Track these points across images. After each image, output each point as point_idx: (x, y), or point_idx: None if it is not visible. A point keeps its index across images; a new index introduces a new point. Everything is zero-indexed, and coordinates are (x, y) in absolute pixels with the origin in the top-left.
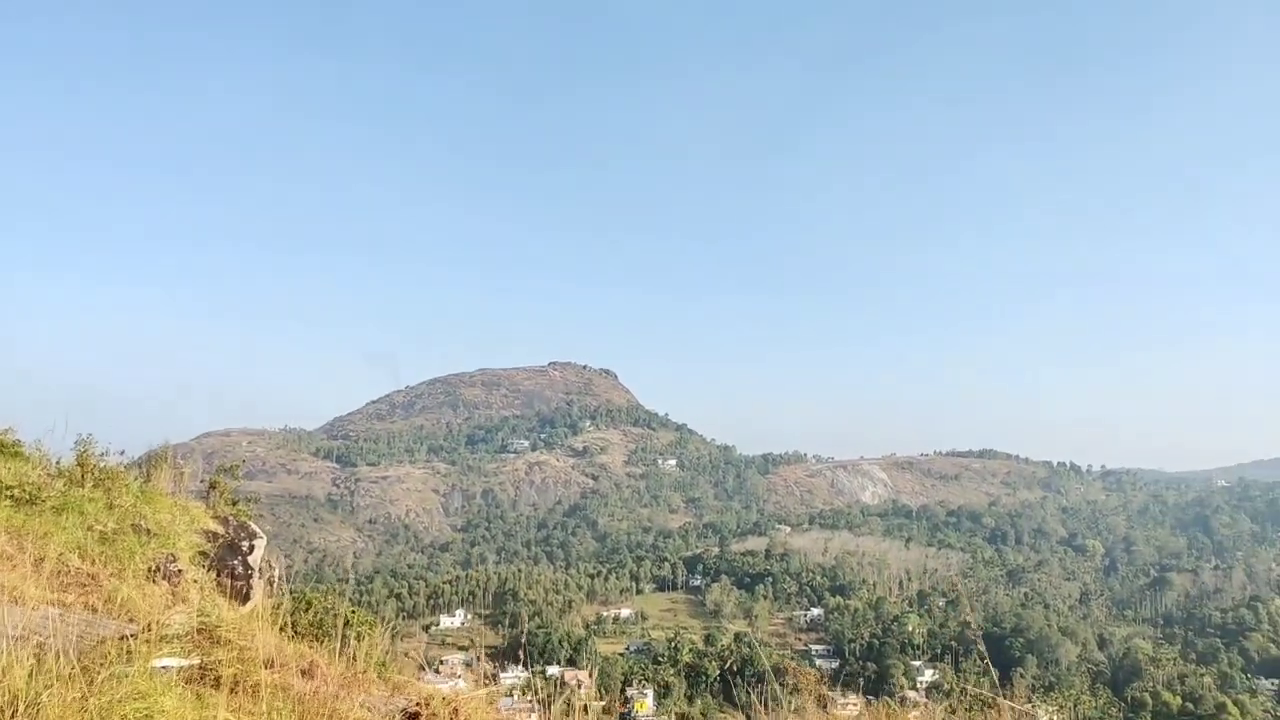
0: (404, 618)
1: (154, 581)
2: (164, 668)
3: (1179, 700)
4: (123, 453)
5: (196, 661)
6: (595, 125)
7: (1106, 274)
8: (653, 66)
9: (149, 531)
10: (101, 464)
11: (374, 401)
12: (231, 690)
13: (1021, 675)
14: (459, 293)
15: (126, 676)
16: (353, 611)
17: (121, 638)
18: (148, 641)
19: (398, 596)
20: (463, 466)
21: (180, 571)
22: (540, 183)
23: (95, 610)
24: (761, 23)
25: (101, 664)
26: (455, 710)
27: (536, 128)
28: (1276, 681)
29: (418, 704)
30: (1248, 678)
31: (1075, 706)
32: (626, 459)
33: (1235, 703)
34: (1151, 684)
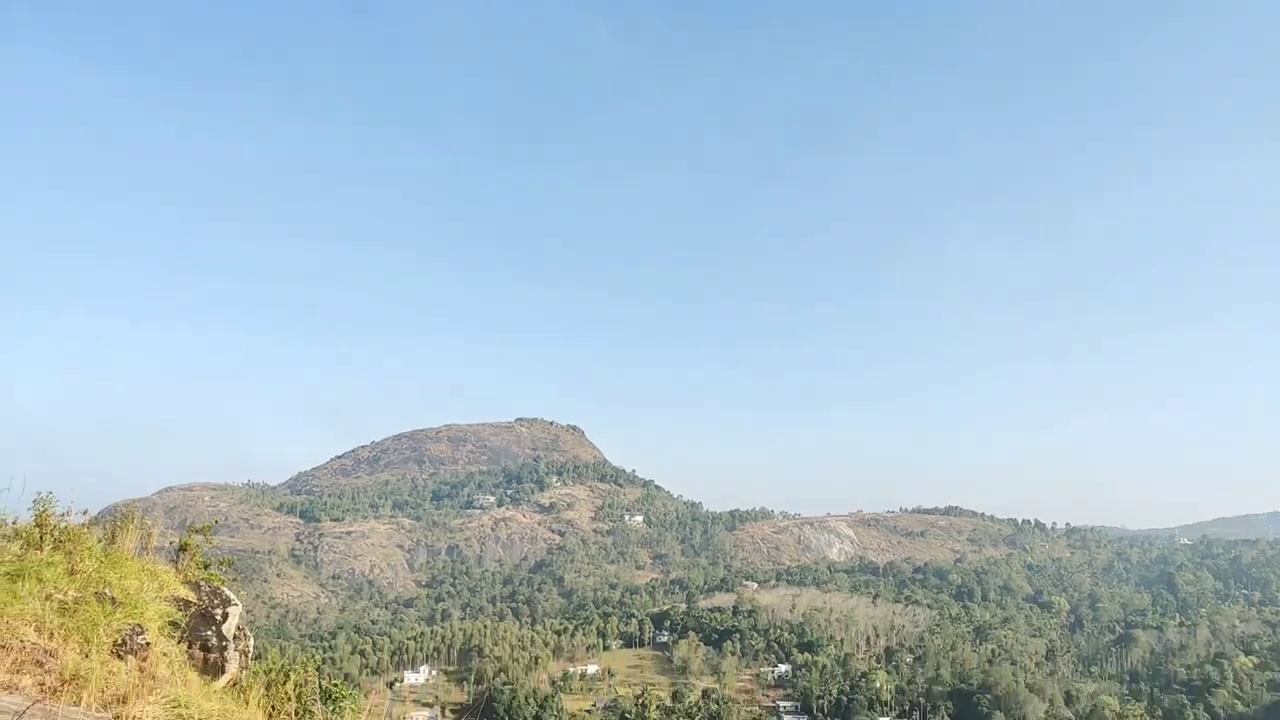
0: (368, 674)
1: (120, 657)
2: None
3: None
4: (85, 512)
5: None
6: (560, 185)
7: (1061, 344)
8: (615, 126)
9: (114, 600)
10: (62, 524)
11: (338, 457)
12: None
13: None
14: (423, 348)
15: None
16: (334, 684)
17: None
18: None
19: (361, 653)
20: (428, 522)
21: (149, 644)
22: (508, 238)
23: (54, 692)
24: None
25: None
26: None
27: (505, 186)
28: None
29: None
30: None
31: None
32: (593, 515)
33: None
34: None
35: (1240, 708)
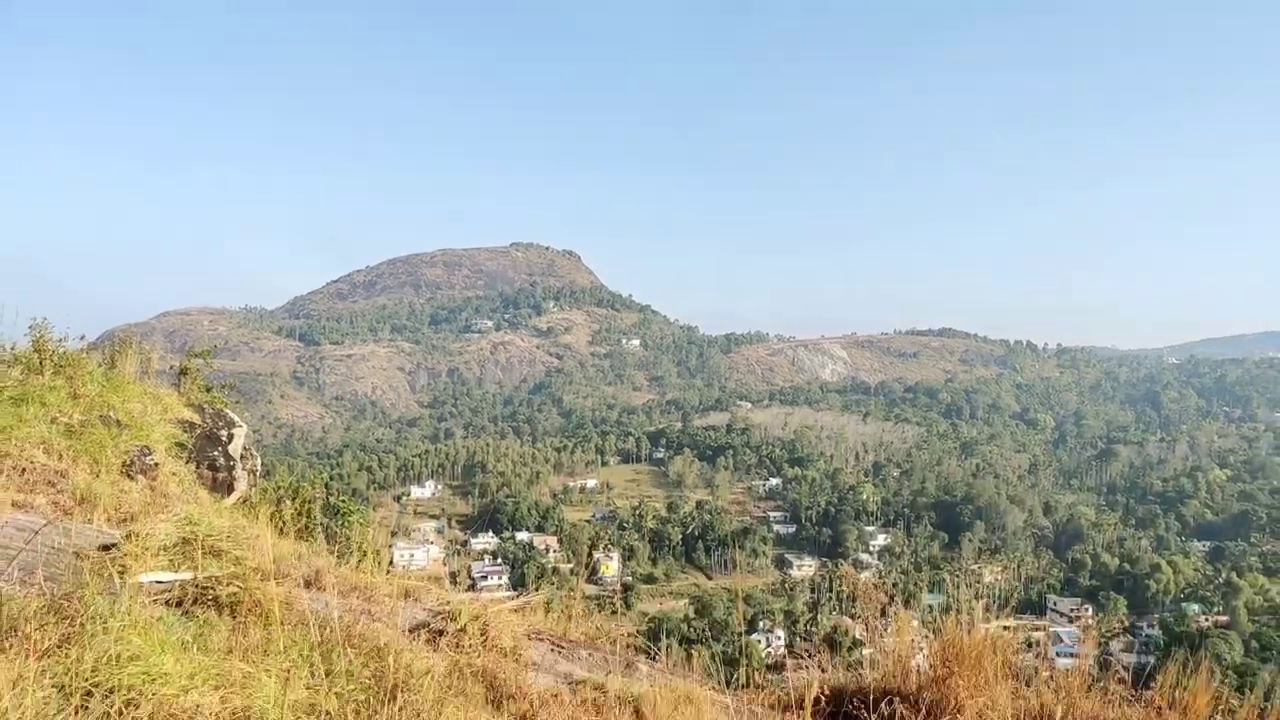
0: (375, 489)
1: (130, 476)
2: (155, 583)
3: (1116, 561)
4: (83, 338)
5: (189, 576)
6: (562, 4)
7: (1062, 168)
8: None
9: (119, 423)
10: (60, 349)
11: (334, 281)
12: (232, 613)
13: (970, 539)
14: (417, 170)
15: (114, 617)
16: (342, 500)
17: (103, 547)
18: (133, 555)
19: (368, 470)
20: (427, 346)
21: (157, 465)
22: (503, 61)
23: (68, 512)
24: None
25: (82, 589)
26: (485, 626)
27: (506, 6)
28: (1208, 544)
29: (441, 616)
30: (1182, 541)
31: (1018, 567)
32: (591, 339)
33: (1169, 563)
34: (1092, 547)
35: (1210, 517)
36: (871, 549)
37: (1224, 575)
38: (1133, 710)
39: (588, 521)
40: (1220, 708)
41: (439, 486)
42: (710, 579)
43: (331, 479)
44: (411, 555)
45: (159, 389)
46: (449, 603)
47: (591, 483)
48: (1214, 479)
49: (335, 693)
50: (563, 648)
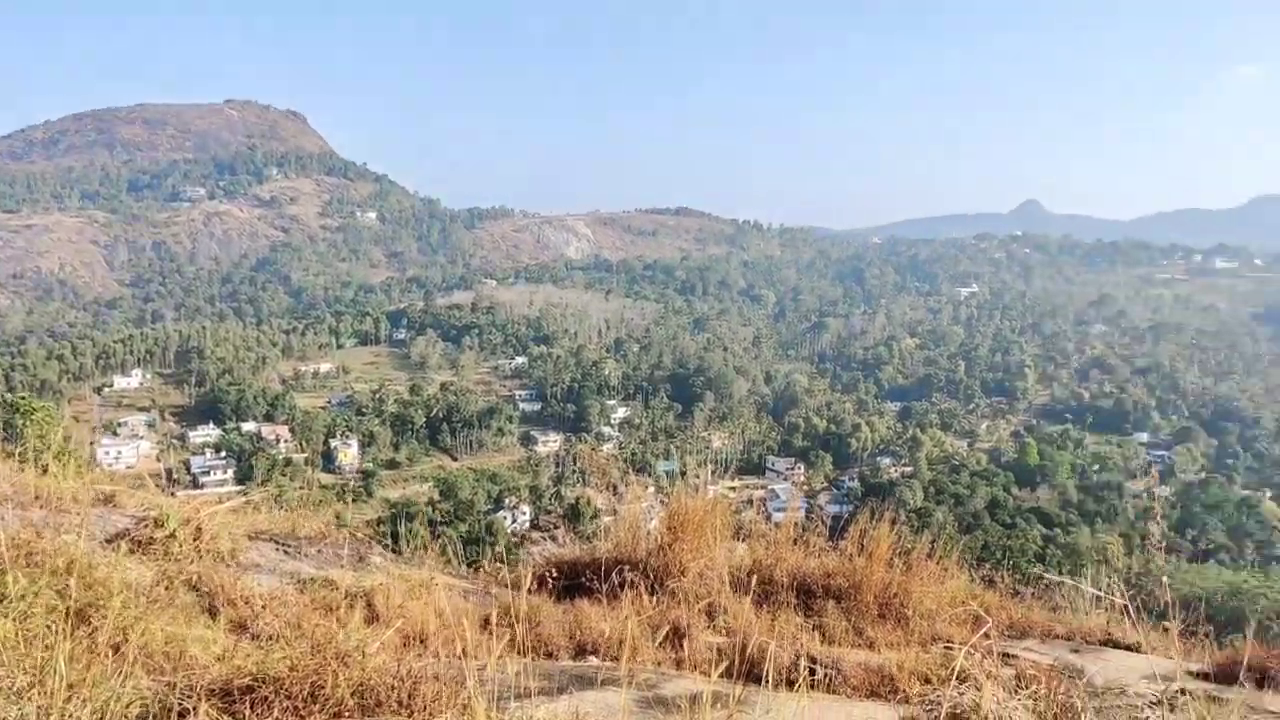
0: (70, 380)
1: None
2: None
3: (825, 423)
4: None
5: None
6: None
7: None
8: None
9: None
10: None
11: (4, 138)
12: None
13: (701, 408)
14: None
15: None
16: (21, 398)
17: None
18: None
19: (59, 358)
20: (126, 216)
21: None
22: None
23: None
24: None
25: None
26: (198, 530)
27: None
28: (899, 404)
29: (146, 523)
30: (878, 402)
31: (743, 433)
32: (321, 210)
33: (868, 423)
34: (805, 411)
35: (901, 380)
36: (613, 422)
37: (910, 431)
38: (829, 558)
39: (322, 408)
40: (897, 549)
41: (148, 375)
42: (456, 460)
43: (12, 369)
44: (119, 453)
45: None
46: (156, 506)
47: (326, 367)
48: (905, 347)
49: (10, 619)
50: (290, 546)
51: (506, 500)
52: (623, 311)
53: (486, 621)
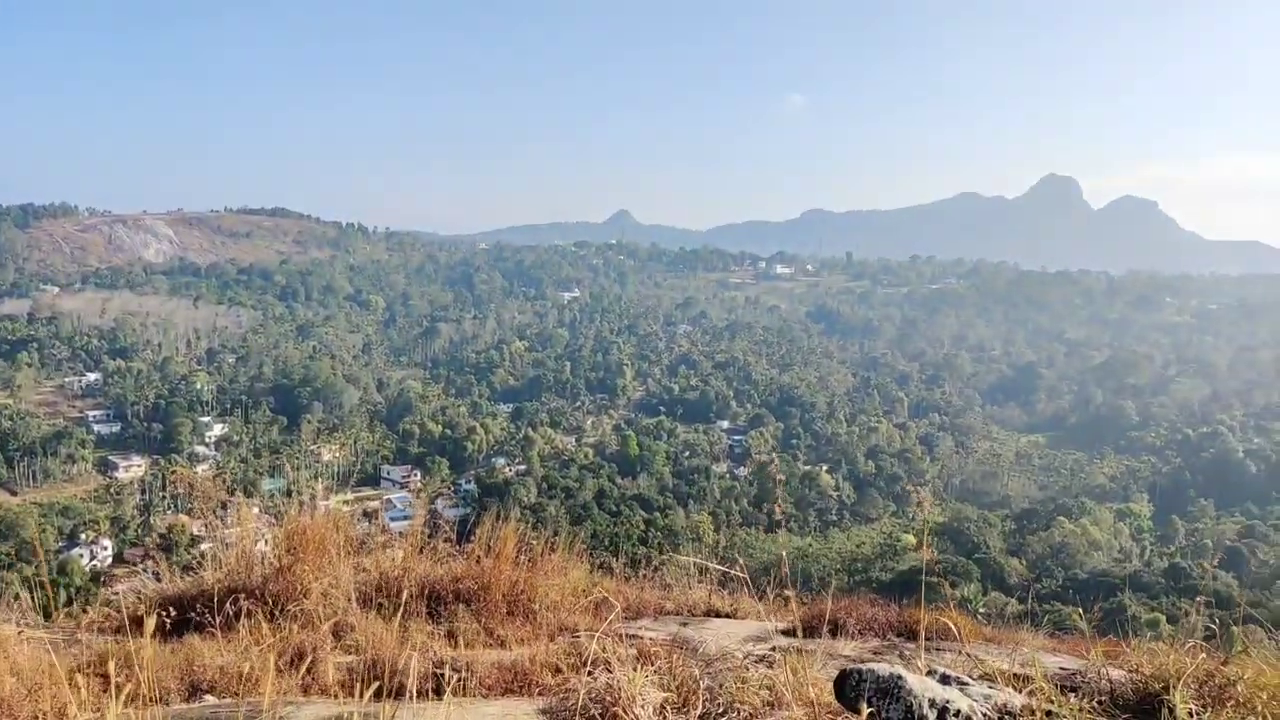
0: None
1: None
2: None
3: (440, 428)
4: None
5: None
6: None
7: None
8: None
9: None
10: None
11: None
12: None
13: (309, 420)
14: None
15: None
16: None
17: None
18: None
19: None
20: None
21: None
22: None
23: None
24: None
25: None
26: None
27: None
28: (512, 405)
29: None
30: (491, 405)
31: (355, 443)
32: None
33: (482, 425)
34: (420, 417)
35: (512, 382)
36: (208, 440)
37: (523, 431)
38: (456, 563)
39: None
40: (522, 546)
41: None
42: (15, 495)
43: None
44: None
45: None
46: None
47: None
48: (515, 350)
49: None
50: None
51: (83, 535)
52: (215, 320)
53: (76, 673)
